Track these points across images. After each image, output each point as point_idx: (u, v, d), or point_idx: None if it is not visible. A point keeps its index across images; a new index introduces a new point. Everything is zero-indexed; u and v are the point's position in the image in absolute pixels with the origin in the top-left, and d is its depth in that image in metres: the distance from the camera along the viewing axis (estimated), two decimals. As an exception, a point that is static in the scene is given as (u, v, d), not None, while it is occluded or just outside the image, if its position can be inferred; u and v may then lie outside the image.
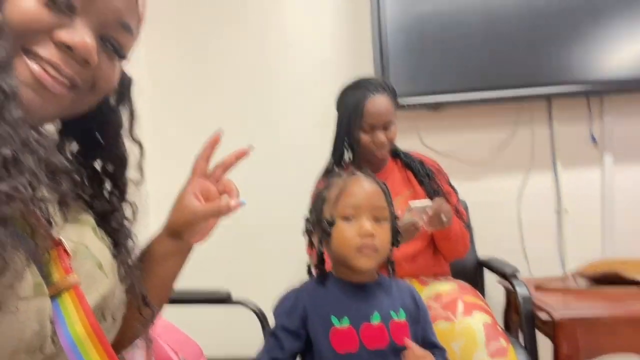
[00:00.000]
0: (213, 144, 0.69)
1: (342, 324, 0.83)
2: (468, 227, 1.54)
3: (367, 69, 1.83)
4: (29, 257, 0.43)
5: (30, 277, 0.43)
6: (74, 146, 0.61)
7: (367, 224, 0.83)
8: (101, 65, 0.52)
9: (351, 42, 1.97)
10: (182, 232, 0.66)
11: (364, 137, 1.37)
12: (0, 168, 0.40)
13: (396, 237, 0.90)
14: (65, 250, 0.46)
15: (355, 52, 1.95)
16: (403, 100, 1.74)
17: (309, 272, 0.94)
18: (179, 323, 1.41)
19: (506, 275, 1.51)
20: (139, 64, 1.96)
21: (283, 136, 1.98)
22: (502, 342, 1.11)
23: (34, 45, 0.46)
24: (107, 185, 0.63)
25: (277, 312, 0.88)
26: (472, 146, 1.95)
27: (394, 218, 0.90)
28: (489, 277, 1.74)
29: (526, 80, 1.81)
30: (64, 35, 0.47)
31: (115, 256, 0.57)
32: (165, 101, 2.01)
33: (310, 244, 0.93)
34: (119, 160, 0.63)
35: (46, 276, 0.45)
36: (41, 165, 0.44)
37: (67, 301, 0.45)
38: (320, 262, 0.91)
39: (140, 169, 0.65)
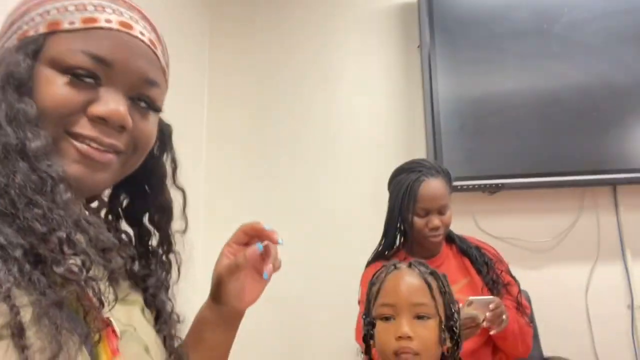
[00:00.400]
0: (259, 234, 0.66)
1: None
2: (531, 321, 1.41)
3: (419, 151, 1.82)
4: (81, 339, 0.42)
5: (81, 357, 0.42)
6: (124, 201, 0.63)
7: (405, 325, 0.77)
8: (137, 125, 0.53)
9: (404, 125, 1.99)
10: (221, 294, 0.64)
11: (418, 222, 1.33)
12: (56, 251, 0.41)
13: (454, 334, 0.82)
14: (114, 331, 0.46)
15: (407, 134, 1.97)
16: (457, 183, 1.71)
17: None
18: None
19: (577, 379, 1.35)
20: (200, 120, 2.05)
21: (334, 216, 1.97)
22: None
23: (73, 127, 0.49)
24: (154, 242, 0.62)
25: None
26: (532, 231, 1.85)
27: (448, 312, 0.83)
28: (557, 379, 1.57)
29: (589, 165, 1.74)
30: (96, 109, 0.49)
31: (158, 331, 0.55)
32: (221, 168, 2.07)
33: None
34: (166, 209, 0.63)
35: (95, 358, 0.44)
36: (92, 244, 0.46)
37: (101, 350, 0.43)
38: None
39: (185, 217, 0.66)
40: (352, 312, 1.39)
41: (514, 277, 1.37)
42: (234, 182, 2.06)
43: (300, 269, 1.94)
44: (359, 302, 1.39)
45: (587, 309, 1.78)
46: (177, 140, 0.64)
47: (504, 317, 1.15)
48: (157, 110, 0.57)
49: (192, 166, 2.02)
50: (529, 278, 1.59)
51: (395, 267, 0.86)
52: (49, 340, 0.38)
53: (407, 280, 0.82)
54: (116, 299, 0.49)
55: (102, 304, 0.45)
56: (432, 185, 1.33)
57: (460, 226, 1.52)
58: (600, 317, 1.77)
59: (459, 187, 1.74)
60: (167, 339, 0.56)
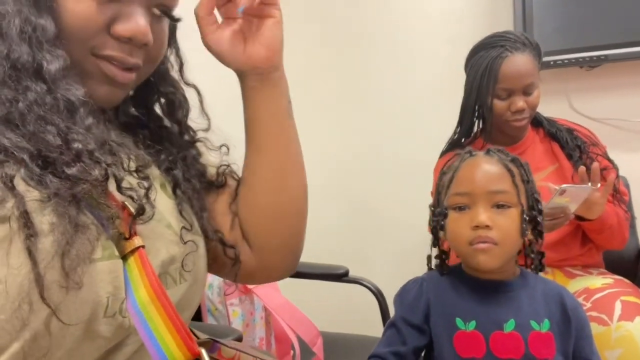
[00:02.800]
0: None
1: (468, 328, 0.72)
2: (629, 209, 1.28)
3: (505, 22, 1.59)
4: (99, 222, 0.44)
5: (101, 241, 0.44)
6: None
7: (482, 214, 0.70)
8: (155, 36, 0.52)
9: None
10: (227, 61, 0.58)
11: (499, 105, 1.19)
12: (69, 155, 0.42)
13: (536, 225, 0.75)
14: (131, 213, 0.46)
15: (491, 2, 1.71)
16: (549, 58, 1.50)
17: (429, 262, 0.83)
18: (296, 297, 1.42)
19: (679, 270, 1.23)
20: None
21: (407, 102, 1.85)
22: (673, 354, 0.91)
23: (98, 48, 0.48)
24: (171, 129, 0.62)
25: (398, 303, 0.79)
26: (635, 111, 1.61)
27: (531, 201, 0.75)
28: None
29: None
30: (121, 29, 0.48)
31: (178, 204, 0.55)
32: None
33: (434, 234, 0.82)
34: (175, 99, 0.62)
35: (114, 240, 0.45)
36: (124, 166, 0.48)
37: (133, 265, 0.44)
38: (442, 253, 0.80)
39: (205, 114, 0.63)
40: (425, 205, 1.35)
41: (611, 161, 1.22)
42: (299, 71, 1.98)
43: (370, 163, 1.90)
44: (431, 194, 1.34)
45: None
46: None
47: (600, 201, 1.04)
48: (175, 20, 0.55)
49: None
50: (629, 162, 1.41)
51: (471, 154, 0.78)
52: (63, 226, 0.39)
53: (485, 167, 0.74)
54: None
55: (119, 187, 0.46)
56: (517, 62, 1.16)
57: (551, 108, 1.36)
58: None
59: (551, 63, 1.53)
60: (182, 209, 0.55)
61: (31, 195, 0.40)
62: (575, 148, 1.22)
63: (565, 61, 1.55)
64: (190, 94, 0.63)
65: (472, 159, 0.77)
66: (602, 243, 1.19)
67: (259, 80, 0.58)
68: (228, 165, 0.64)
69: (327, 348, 1.17)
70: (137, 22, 0.49)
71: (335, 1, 1.92)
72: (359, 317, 1.52)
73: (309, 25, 1.95)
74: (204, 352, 0.44)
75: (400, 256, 1.85)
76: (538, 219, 0.75)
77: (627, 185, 1.41)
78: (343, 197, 1.93)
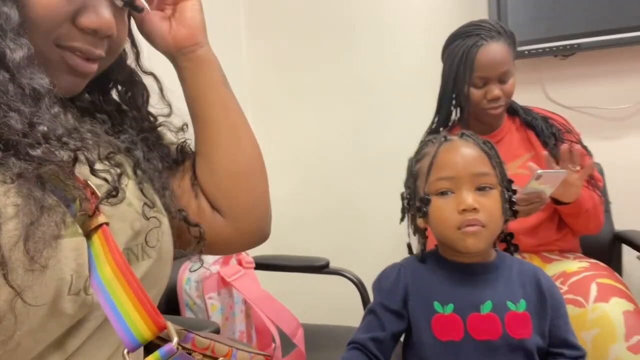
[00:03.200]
0: None
1: (445, 311, 0.72)
2: (603, 195, 1.30)
3: (480, 11, 1.60)
4: (64, 203, 0.43)
5: (64, 219, 0.43)
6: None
7: (468, 197, 0.71)
8: (117, 28, 0.53)
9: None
10: (153, 35, 0.63)
11: (475, 93, 1.20)
12: (34, 137, 0.41)
13: (511, 205, 0.76)
14: (94, 193, 0.46)
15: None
16: (523, 47, 1.52)
17: (410, 250, 0.83)
18: (277, 290, 1.42)
19: (652, 252, 1.26)
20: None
21: (385, 94, 1.85)
22: (647, 334, 0.92)
23: (63, 39, 0.49)
24: (130, 113, 0.63)
25: (377, 289, 0.80)
26: (609, 99, 1.64)
27: (505, 182, 0.76)
28: (629, 254, 1.48)
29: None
30: (87, 21, 0.49)
31: (139, 183, 0.55)
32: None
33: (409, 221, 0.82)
34: (131, 83, 0.64)
35: (78, 218, 0.45)
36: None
37: (97, 242, 0.44)
38: (424, 240, 0.80)
39: (165, 100, 0.66)
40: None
41: (586, 148, 1.23)
42: (281, 64, 1.97)
43: (350, 154, 1.89)
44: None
45: (669, 181, 1.62)
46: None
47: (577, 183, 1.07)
48: (139, 10, 0.56)
49: (232, 48, 1.93)
50: (603, 149, 1.44)
51: (447, 139, 0.78)
52: (28, 208, 0.38)
53: (465, 151, 0.75)
54: (99, 160, 0.49)
55: (91, 165, 0.46)
56: (492, 50, 1.17)
57: (527, 97, 1.37)
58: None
59: (526, 52, 1.55)
60: (143, 188, 0.55)
61: None
62: (550, 136, 1.23)
63: (540, 50, 1.57)
64: (149, 80, 0.65)
65: (449, 144, 0.77)
66: (578, 227, 1.21)
67: (187, 59, 0.62)
68: (185, 140, 0.67)
69: (308, 339, 1.17)
70: (102, 15, 0.49)
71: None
72: (340, 308, 1.52)
73: (289, 15, 1.93)
74: (170, 324, 0.44)
75: (381, 247, 1.86)
76: (513, 199, 0.77)
77: (600, 172, 1.43)
78: (324, 188, 1.93)
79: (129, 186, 0.53)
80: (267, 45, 1.96)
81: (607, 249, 1.43)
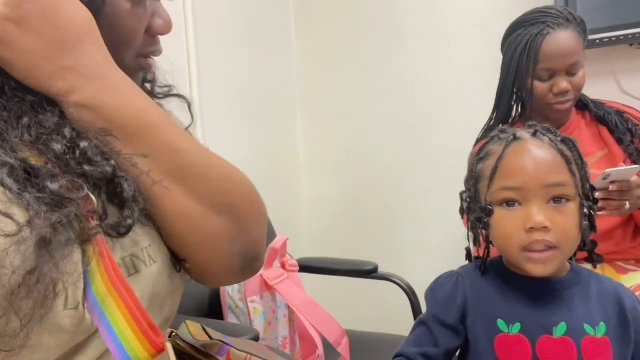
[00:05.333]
0: None
1: (511, 331, 0.63)
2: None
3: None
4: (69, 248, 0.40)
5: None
6: None
7: (538, 213, 0.60)
8: None
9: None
10: None
11: (540, 86, 1.10)
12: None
13: (591, 219, 0.64)
14: (89, 199, 0.42)
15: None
16: (594, 36, 1.38)
17: (468, 256, 0.75)
18: (321, 294, 1.38)
19: None
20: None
21: (439, 89, 1.75)
22: None
23: (142, 48, 0.51)
24: None
25: (430, 299, 0.71)
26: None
27: (586, 191, 0.64)
28: None
29: None
30: (158, 28, 0.52)
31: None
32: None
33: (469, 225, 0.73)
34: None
35: (72, 227, 0.41)
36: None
37: (90, 252, 0.40)
38: (485, 251, 0.70)
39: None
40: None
41: (665, 145, 1.10)
42: (327, 63, 1.92)
43: (400, 154, 1.82)
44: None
45: None
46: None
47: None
48: None
49: (282, 47, 1.90)
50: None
51: (516, 138, 0.66)
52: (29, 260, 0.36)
53: (537, 155, 0.63)
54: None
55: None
56: (559, 39, 1.07)
57: (598, 89, 1.25)
58: None
59: (596, 41, 1.41)
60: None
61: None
62: (625, 131, 1.11)
63: (613, 39, 1.43)
64: None
65: (518, 144, 0.65)
66: None
67: None
68: None
69: (354, 347, 1.12)
70: (166, 17, 0.52)
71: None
72: (388, 316, 1.46)
73: (339, 12, 1.88)
74: (169, 346, 0.41)
75: (433, 252, 1.77)
76: (592, 211, 0.65)
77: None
78: (373, 189, 1.86)
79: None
80: (317, 43, 1.93)
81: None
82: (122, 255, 0.44)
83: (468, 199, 0.70)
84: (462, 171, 1.24)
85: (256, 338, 0.82)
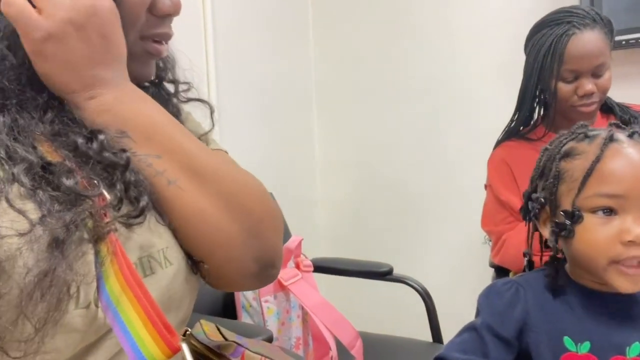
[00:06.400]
0: None
1: (580, 351, 0.59)
2: None
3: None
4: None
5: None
6: None
7: (637, 227, 0.55)
8: None
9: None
10: None
11: (564, 88, 1.07)
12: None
13: None
14: (103, 196, 0.42)
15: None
16: (620, 37, 1.35)
17: (529, 264, 0.69)
18: (336, 295, 1.37)
19: None
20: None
21: (454, 89, 1.73)
22: None
23: (145, 30, 0.49)
24: None
25: (485, 307, 0.65)
26: None
27: None
28: None
29: None
30: (164, 7, 0.49)
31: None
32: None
33: (535, 232, 0.68)
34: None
35: (86, 225, 0.41)
36: None
37: (104, 251, 0.40)
38: (554, 260, 0.64)
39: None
40: (476, 199, 1.24)
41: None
42: (344, 61, 1.91)
43: (418, 155, 1.80)
44: (485, 187, 1.24)
45: None
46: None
47: None
48: None
49: (300, 46, 1.90)
50: None
51: (613, 139, 0.60)
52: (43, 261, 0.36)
53: (638, 157, 0.58)
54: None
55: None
56: (586, 40, 1.04)
57: (624, 93, 1.23)
58: None
59: (623, 42, 1.38)
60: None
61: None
62: (653, 137, 1.07)
63: (639, 40, 1.39)
64: None
65: (617, 146, 0.59)
66: None
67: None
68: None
69: (368, 350, 1.11)
70: None
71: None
72: (403, 318, 1.44)
73: (357, 13, 1.87)
74: (185, 347, 0.40)
75: (448, 254, 1.75)
76: None
77: None
78: (389, 190, 1.85)
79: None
80: (335, 42, 1.92)
81: None
82: (139, 255, 0.43)
83: (543, 200, 0.63)
84: (480, 173, 1.23)
85: (270, 339, 0.81)
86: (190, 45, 1.35)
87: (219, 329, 0.64)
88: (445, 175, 1.74)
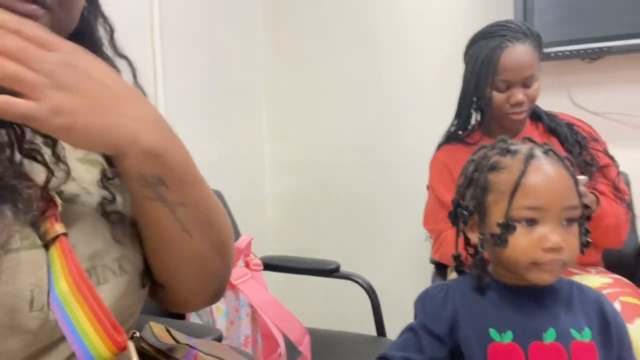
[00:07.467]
0: None
1: (503, 340, 0.65)
2: (629, 207, 1.24)
3: (506, 12, 1.54)
4: (17, 209, 0.40)
5: (20, 229, 0.41)
6: None
7: (556, 235, 0.62)
8: None
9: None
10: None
11: (498, 97, 1.15)
12: None
13: (586, 238, 0.67)
14: (53, 200, 0.43)
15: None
16: (549, 49, 1.45)
17: (458, 264, 0.75)
18: (285, 293, 1.39)
19: (680, 269, 1.20)
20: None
21: (399, 96, 1.80)
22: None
23: None
24: None
25: (420, 310, 0.72)
26: (639, 105, 1.57)
27: (585, 213, 0.67)
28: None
29: None
30: None
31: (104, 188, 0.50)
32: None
33: (464, 237, 0.74)
34: None
35: (37, 227, 0.42)
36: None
37: (54, 254, 0.41)
38: (481, 263, 0.70)
39: (139, 86, 0.56)
40: (419, 199, 1.30)
41: (612, 158, 1.18)
42: (294, 61, 1.93)
43: (363, 156, 1.85)
44: (427, 188, 1.30)
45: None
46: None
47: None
48: None
49: (248, 43, 1.90)
50: (631, 158, 1.38)
51: (533, 155, 0.66)
52: None
53: (557, 175, 0.65)
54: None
55: (50, 171, 0.43)
56: (517, 52, 1.12)
57: (552, 102, 1.32)
58: None
59: (551, 55, 1.48)
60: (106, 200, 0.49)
61: None
62: (575, 143, 1.18)
63: (567, 53, 1.50)
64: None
65: (537, 162, 0.66)
66: (598, 242, 1.15)
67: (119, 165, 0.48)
68: None
69: (315, 345, 1.14)
70: None
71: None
72: (349, 314, 1.49)
73: (306, 13, 1.89)
74: (131, 344, 0.41)
75: (394, 252, 1.82)
76: (587, 229, 0.68)
77: (627, 182, 1.37)
78: (337, 189, 1.89)
79: (113, 201, 0.49)
80: (285, 42, 1.93)
81: (631, 264, 1.37)
82: (92, 264, 0.44)
83: (472, 208, 0.69)
84: (422, 175, 1.30)
85: (219, 339, 0.82)
86: (137, 44, 1.32)
87: (168, 331, 0.65)
88: (390, 175, 1.81)
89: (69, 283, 0.40)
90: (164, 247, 0.48)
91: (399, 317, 0.74)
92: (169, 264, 0.50)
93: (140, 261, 0.50)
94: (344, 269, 1.33)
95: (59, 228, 0.41)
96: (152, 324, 0.65)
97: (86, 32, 0.52)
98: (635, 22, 1.45)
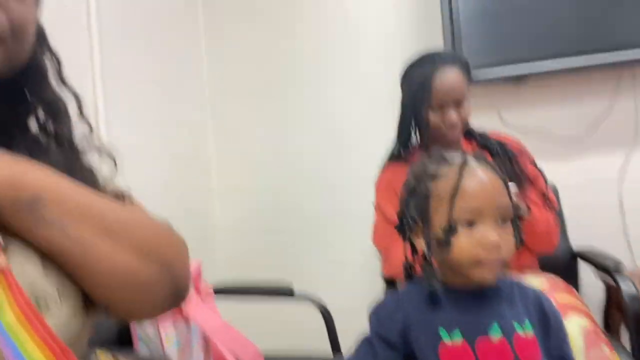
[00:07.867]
0: None
1: (453, 339, 0.69)
2: (559, 214, 1.34)
3: (435, 40, 1.65)
4: None
5: None
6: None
7: (493, 233, 0.67)
8: (10, 5, 0.47)
9: (417, 11, 1.79)
10: None
11: (433, 117, 1.23)
12: None
13: (520, 235, 0.73)
14: None
15: (421, 21, 1.78)
16: (478, 74, 1.57)
17: (408, 276, 0.78)
18: (238, 317, 1.37)
19: (608, 269, 1.30)
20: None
21: (343, 120, 1.87)
22: (605, 349, 0.95)
23: None
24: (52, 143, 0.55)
25: (373, 318, 0.75)
26: (562, 122, 1.72)
27: (517, 212, 0.74)
28: (585, 271, 1.52)
29: (628, 40, 1.54)
30: None
31: None
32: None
33: (411, 245, 0.78)
34: (53, 107, 0.55)
35: None
36: None
37: None
38: (429, 268, 0.73)
39: (85, 119, 0.57)
40: (367, 218, 1.35)
41: (540, 170, 1.28)
42: (237, 91, 1.96)
43: (314, 179, 1.89)
44: (375, 207, 1.35)
45: (620, 198, 1.68)
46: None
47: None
48: None
49: (194, 74, 1.92)
50: (557, 170, 1.50)
51: (466, 162, 0.71)
52: None
53: (489, 179, 0.70)
54: None
55: None
56: (448, 76, 1.21)
57: (484, 122, 1.41)
58: (635, 206, 1.67)
59: (480, 78, 1.60)
60: None
61: None
62: (505, 158, 1.26)
63: (493, 77, 1.63)
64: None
65: (470, 168, 0.71)
66: (532, 247, 1.23)
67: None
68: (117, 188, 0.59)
69: (271, 370, 1.13)
70: None
71: (270, 22, 1.93)
72: (305, 336, 1.49)
73: (251, 42, 1.94)
74: None
75: (346, 271, 1.84)
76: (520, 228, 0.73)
77: (555, 192, 1.48)
78: (287, 212, 1.91)
79: None
80: (229, 71, 1.96)
81: (565, 266, 1.47)
82: (33, 293, 0.44)
83: (417, 216, 0.73)
84: (369, 194, 1.34)
85: (170, 365, 0.81)
86: (74, 42, 1.24)
87: (116, 358, 0.63)
88: (338, 197, 1.84)
89: (16, 314, 0.40)
90: (78, 267, 0.47)
91: (354, 335, 0.76)
92: (92, 281, 0.48)
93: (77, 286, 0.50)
94: (298, 290, 1.34)
95: (1, 261, 0.41)
96: (99, 352, 0.64)
97: (33, 64, 0.53)
98: (552, 46, 1.60)
